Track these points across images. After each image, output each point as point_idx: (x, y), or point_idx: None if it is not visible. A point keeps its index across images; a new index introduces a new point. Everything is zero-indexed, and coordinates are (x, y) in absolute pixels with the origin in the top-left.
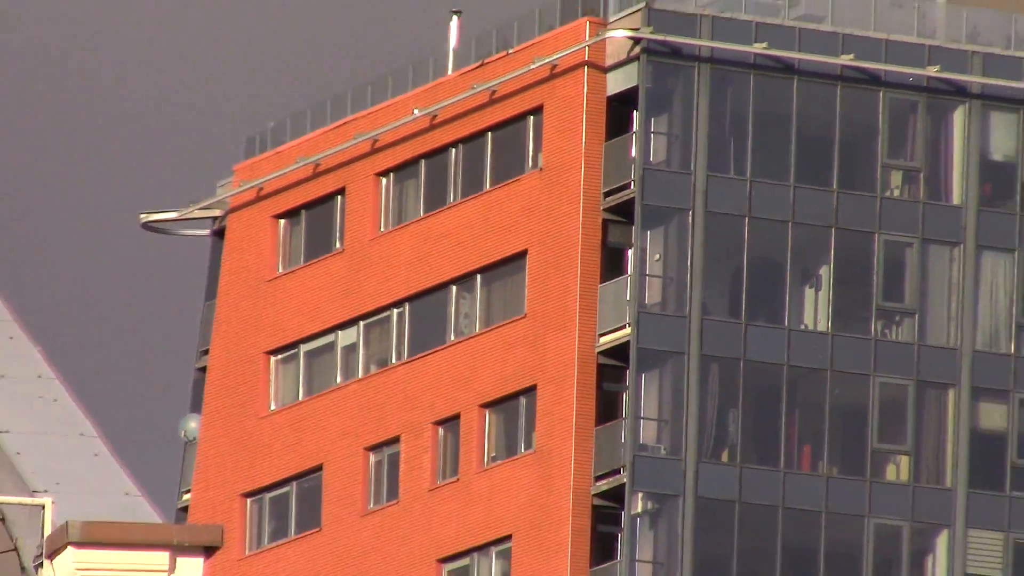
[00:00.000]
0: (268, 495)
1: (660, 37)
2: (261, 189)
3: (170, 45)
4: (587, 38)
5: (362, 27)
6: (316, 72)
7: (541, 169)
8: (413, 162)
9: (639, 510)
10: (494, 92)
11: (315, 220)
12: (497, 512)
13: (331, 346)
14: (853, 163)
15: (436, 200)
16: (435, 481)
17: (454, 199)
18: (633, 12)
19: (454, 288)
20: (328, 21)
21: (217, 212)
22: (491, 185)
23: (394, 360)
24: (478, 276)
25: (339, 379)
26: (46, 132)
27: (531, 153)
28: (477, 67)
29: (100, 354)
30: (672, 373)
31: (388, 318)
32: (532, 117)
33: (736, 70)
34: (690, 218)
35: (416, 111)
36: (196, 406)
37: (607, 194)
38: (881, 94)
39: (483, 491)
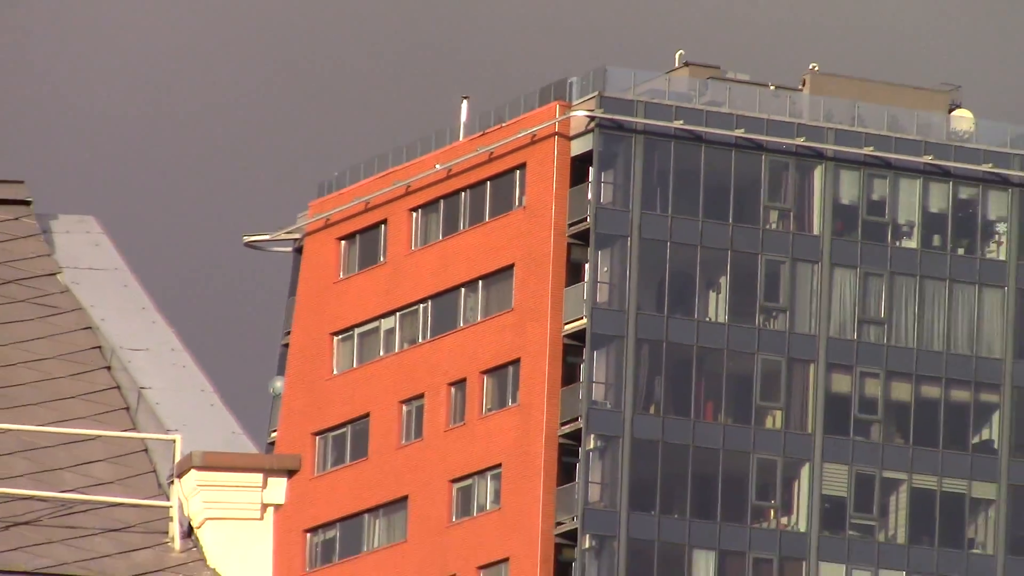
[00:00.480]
0: (331, 434)
1: (608, 116)
2: (328, 219)
3: (266, 116)
4: (557, 116)
5: (401, 105)
6: (367, 136)
7: (524, 208)
8: (435, 202)
9: (592, 447)
10: (492, 153)
11: (366, 242)
12: (492, 447)
13: (376, 330)
14: (743, 205)
15: (451, 228)
16: (448, 425)
17: (464, 227)
18: (590, 98)
19: (463, 290)
20: (376, 101)
21: (297, 235)
22: (489, 218)
23: (420, 340)
24: (480, 281)
25: (381, 353)
26: (181, 180)
27: (518, 196)
28: (480, 136)
29: (215, 333)
30: (616, 351)
31: (416, 310)
32: (518, 171)
33: (661, 139)
34: (629, 243)
35: (437, 166)
36: (281, 371)
37: (570, 225)
38: (763, 157)
39: (482, 432)
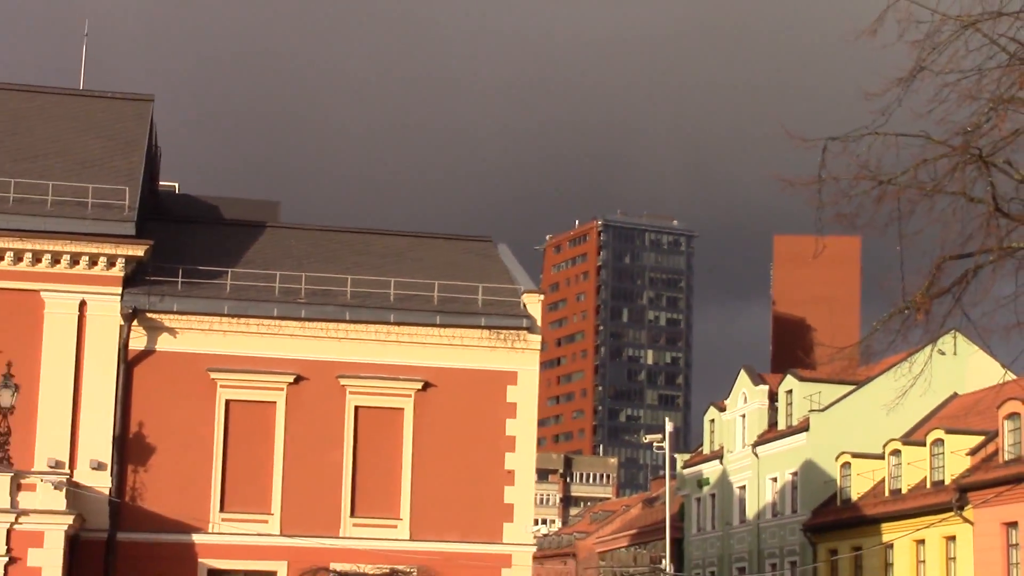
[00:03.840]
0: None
1: (611, 224)
2: (550, 241)
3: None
4: (598, 223)
5: (556, 213)
6: (547, 215)
7: (587, 241)
8: (563, 241)
9: None
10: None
11: (557, 251)
12: None
13: (562, 267)
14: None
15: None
16: None
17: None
18: (601, 220)
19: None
20: (551, 208)
21: (543, 245)
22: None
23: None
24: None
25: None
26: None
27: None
28: (575, 228)
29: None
30: None
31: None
32: (588, 235)
33: (623, 231)
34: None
35: (571, 231)
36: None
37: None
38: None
39: None
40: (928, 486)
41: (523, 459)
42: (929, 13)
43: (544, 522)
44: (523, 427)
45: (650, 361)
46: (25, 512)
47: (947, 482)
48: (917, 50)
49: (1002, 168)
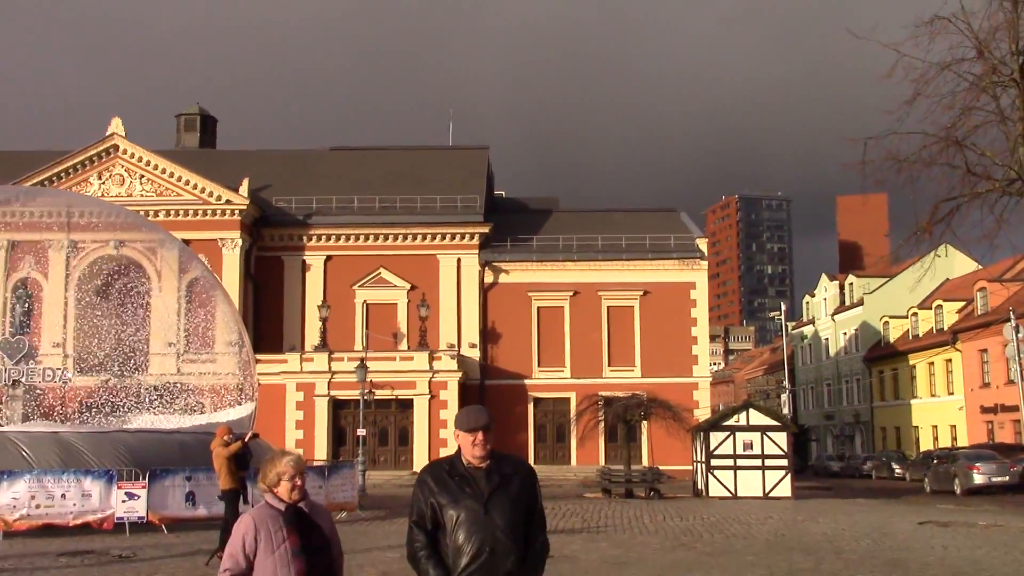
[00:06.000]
0: None
1: (744, 197)
2: (707, 213)
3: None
4: (737, 199)
5: (700, 189)
6: (701, 185)
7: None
8: (713, 208)
9: None
10: (724, 202)
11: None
12: None
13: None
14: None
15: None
16: None
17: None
18: (737, 195)
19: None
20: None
21: (705, 212)
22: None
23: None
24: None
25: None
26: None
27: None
28: (724, 200)
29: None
30: None
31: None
32: (731, 203)
33: (750, 203)
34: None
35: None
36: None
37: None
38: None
39: None
40: (934, 332)
41: (701, 330)
42: (921, 62)
43: (714, 365)
44: (700, 313)
45: (769, 272)
46: (437, 371)
47: (945, 329)
48: (915, 84)
49: (970, 147)
